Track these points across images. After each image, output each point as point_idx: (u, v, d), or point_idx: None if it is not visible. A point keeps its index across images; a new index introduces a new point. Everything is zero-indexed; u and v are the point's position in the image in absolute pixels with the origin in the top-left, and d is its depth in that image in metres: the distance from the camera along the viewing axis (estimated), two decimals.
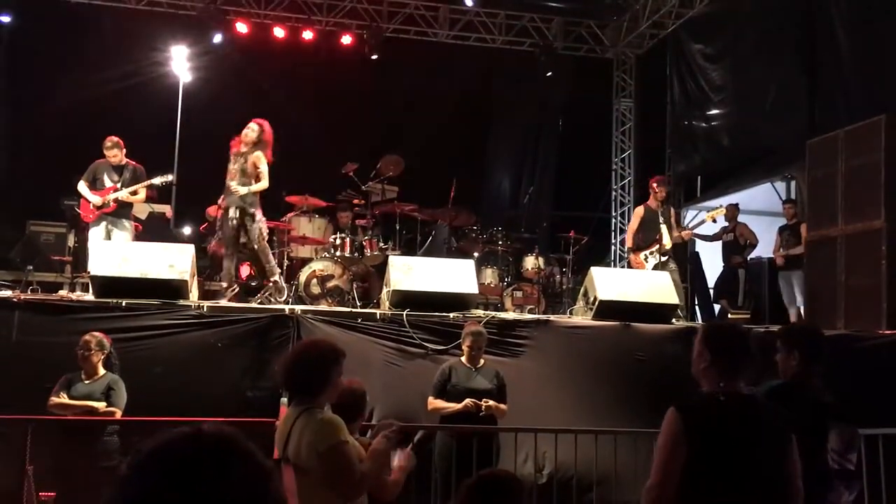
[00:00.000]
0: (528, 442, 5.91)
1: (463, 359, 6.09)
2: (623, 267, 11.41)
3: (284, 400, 4.93)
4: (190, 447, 1.14)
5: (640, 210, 9.62)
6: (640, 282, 7.93)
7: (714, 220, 9.90)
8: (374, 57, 12.99)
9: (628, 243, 9.85)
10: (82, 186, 8.42)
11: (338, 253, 9.03)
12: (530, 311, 9.08)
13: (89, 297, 6.88)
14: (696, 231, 10.70)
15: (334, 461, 3.24)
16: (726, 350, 3.19)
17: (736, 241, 10.83)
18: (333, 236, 9.32)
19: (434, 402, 5.94)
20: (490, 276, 9.91)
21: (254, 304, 7.98)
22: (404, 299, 7.10)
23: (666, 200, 9.37)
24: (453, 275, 7.47)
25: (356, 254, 9.20)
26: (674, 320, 7.73)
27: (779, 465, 3.04)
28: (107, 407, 5.61)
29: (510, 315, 7.97)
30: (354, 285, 8.68)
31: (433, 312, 6.99)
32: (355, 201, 10.09)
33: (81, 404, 5.57)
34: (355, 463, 3.32)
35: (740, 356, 3.19)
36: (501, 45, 13.96)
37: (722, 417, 3.06)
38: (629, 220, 11.08)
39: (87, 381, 5.71)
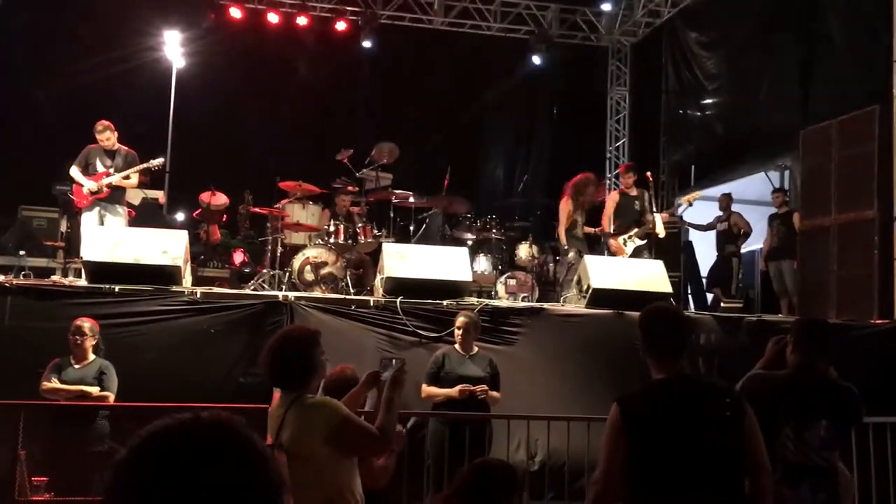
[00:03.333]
0: (520, 429, 5.93)
1: (456, 346, 6.10)
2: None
3: None
4: (189, 432, 1.14)
5: (614, 195, 9.64)
6: (634, 270, 7.96)
7: (690, 204, 9.88)
8: (368, 44, 12.93)
9: (604, 228, 9.84)
10: (75, 171, 8.38)
11: (331, 240, 9.01)
12: (524, 299, 9.09)
13: (82, 282, 6.87)
14: (685, 217, 10.72)
15: (347, 435, 3.27)
16: (657, 333, 3.17)
17: (730, 231, 10.85)
18: (327, 223, 9.30)
19: (427, 389, 5.95)
20: (484, 263, 9.91)
21: (247, 291, 7.97)
22: (398, 286, 7.10)
23: (643, 186, 9.34)
24: (447, 262, 7.48)
25: (350, 241, 9.19)
26: None
27: (730, 443, 3.00)
28: (100, 391, 5.62)
29: (503, 303, 7.98)
30: (348, 272, 8.67)
31: (427, 300, 7.00)
32: (349, 188, 10.06)
33: (74, 389, 5.58)
34: (367, 427, 3.36)
35: (673, 339, 3.16)
36: (496, 32, 13.92)
37: (660, 403, 3.05)
38: None
39: (77, 366, 5.71)
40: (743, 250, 10.99)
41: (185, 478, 1.10)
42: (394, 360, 3.59)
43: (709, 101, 12.29)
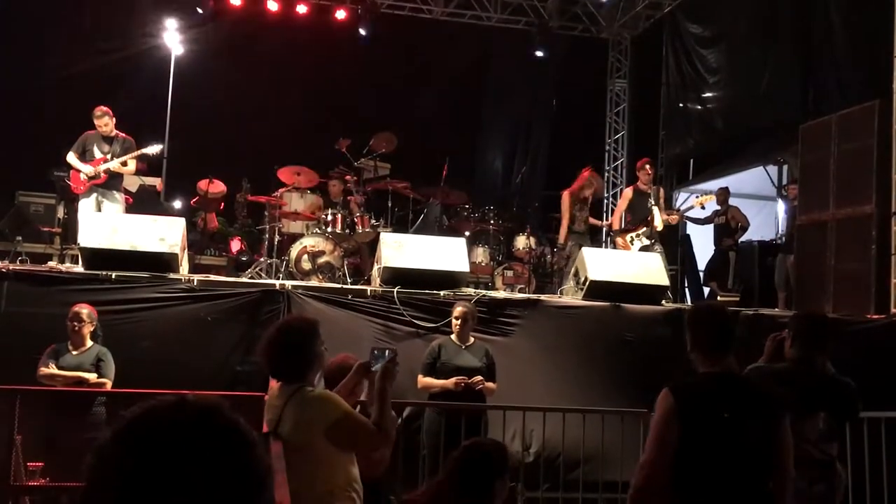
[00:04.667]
0: (516, 420, 5.94)
1: (453, 337, 6.11)
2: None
3: None
4: (173, 416, 1.14)
5: (628, 192, 9.62)
6: (631, 263, 7.96)
7: (703, 207, 9.91)
8: (368, 33, 12.88)
9: (614, 225, 9.86)
10: (72, 157, 8.35)
11: (329, 229, 9.00)
12: (521, 291, 9.09)
13: (79, 268, 6.86)
14: (687, 214, 10.72)
15: (346, 431, 3.27)
16: (708, 330, 3.24)
17: (727, 224, 10.86)
18: (325, 212, 9.29)
19: (423, 380, 5.96)
20: (481, 254, 9.91)
21: (244, 279, 7.97)
22: (395, 276, 7.10)
23: (655, 182, 9.38)
24: (444, 253, 7.47)
25: (347, 230, 9.18)
26: (663, 302, 7.76)
27: (766, 443, 3.07)
28: (97, 378, 5.62)
29: (500, 294, 7.98)
30: (345, 262, 8.67)
31: (424, 290, 7.00)
32: (347, 177, 10.05)
33: (72, 375, 5.58)
34: (365, 421, 3.36)
35: (721, 335, 3.23)
36: (496, 23, 13.86)
37: (713, 398, 3.10)
38: None
39: (75, 353, 5.71)
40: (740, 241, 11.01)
41: (168, 461, 1.09)
42: (386, 352, 3.58)
43: (709, 94, 12.27)
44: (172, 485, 1.08)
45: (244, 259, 10.13)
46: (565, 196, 9.55)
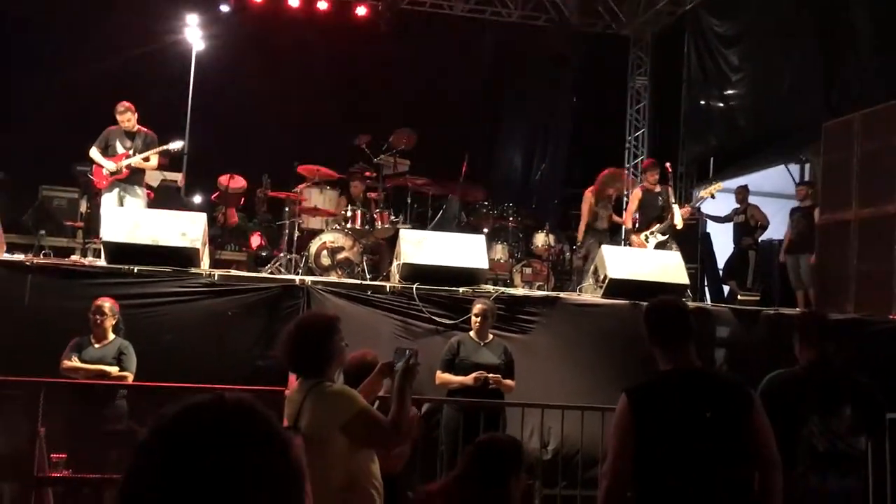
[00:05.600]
0: (534, 417, 5.94)
1: (471, 333, 6.11)
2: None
3: None
4: (211, 414, 1.15)
5: (637, 192, 9.60)
6: (650, 261, 7.93)
7: (712, 196, 9.82)
8: (388, 30, 12.89)
9: (626, 224, 9.82)
10: (95, 152, 8.43)
11: (348, 225, 9.04)
12: (539, 288, 9.09)
13: (101, 262, 6.92)
14: (706, 213, 10.66)
15: (361, 428, 3.29)
16: (661, 323, 3.23)
17: (747, 223, 10.79)
18: (345, 209, 9.32)
19: (442, 376, 5.98)
20: (500, 251, 9.91)
21: (264, 274, 8.01)
22: (414, 273, 7.11)
23: (673, 180, 9.33)
24: (464, 249, 7.47)
25: (367, 226, 9.21)
26: (683, 300, 7.72)
27: (739, 437, 3.01)
28: (119, 371, 5.68)
29: (519, 291, 7.98)
30: (364, 258, 8.70)
31: (443, 286, 7.00)
32: (367, 174, 10.07)
33: (94, 368, 5.64)
34: (381, 419, 3.37)
35: (675, 326, 3.21)
36: (517, 19, 13.83)
37: (669, 394, 3.06)
38: None
39: (97, 346, 5.78)
40: (760, 240, 10.93)
41: (207, 459, 1.10)
42: (407, 351, 3.59)
43: (731, 91, 12.17)
44: (211, 483, 1.09)
45: (264, 254, 10.20)
46: (587, 194, 9.55)
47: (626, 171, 9.93)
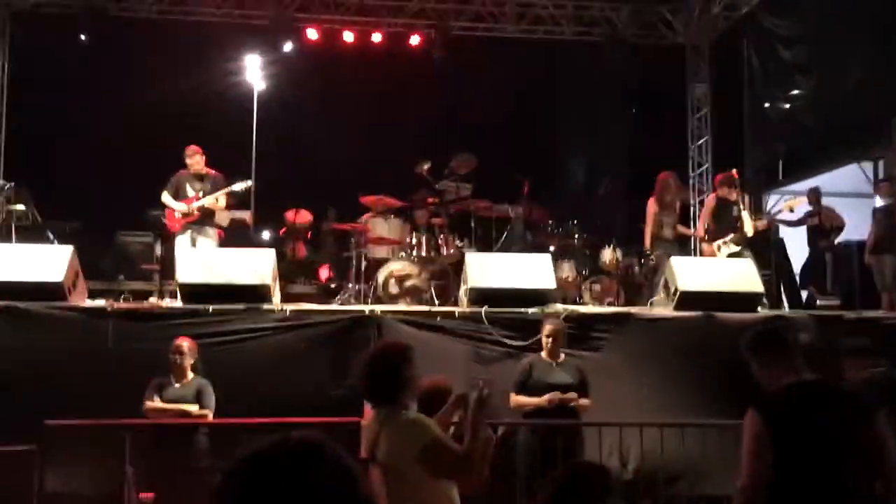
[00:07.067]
0: (612, 437, 5.86)
1: (543, 354, 6.08)
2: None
3: None
4: (279, 454, 1.19)
5: (710, 200, 9.41)
6: (722, 270, 7.77)
7: (792, 210, 9.60)
8: (442, 56, 13.01)
9: (699, 233, 9.64)
10: (166, 197, 8.71)
11: (414, 252, 9.09)
12: (609, 304, 8.98)
13: (178, 303, 7.11)
14: (777, 218, 10.40)
15: (433, 458, 3.29)
16: (766, 347, 3.32)
17: (821, 225, 10.49)
18: (410, 236, 9.39)
19: (516, 399, 5.94)
20: (567, 269, 9.82)
21: (335, 306, 8.12)
22: (482, 296, 7.11)
23: (742, 187, 9.11)
24: (530, 270, 7.44)
25: (432, 253, 9.25)
26: (759, 309, 7.54)
27: (862, 444, 2.99)
28: (199, 410, 5.82)
29: (589, 309, 7.90)
30: (432, 284, 8.73)
31: (511, 308, 6.98)
32: (429, 200, 10.14)
33: (175, 408, 5.79)
34: (454, 450, 3.36)
35: (784, 349, 3.28)
36: (570, 36, 13.80)
37: (802, 407, 3.05)
38: None
39: (177, 385, 5.93)
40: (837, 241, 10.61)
41: (278, 498, 1.13)
42: (480, 381, 3.61)
43: (795, 92, 11.89)
44: None
45: (333, 286, 10.33)
46: (650, 203, 9.45)
47: (673, 174, 9.73)
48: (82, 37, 12.17)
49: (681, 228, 9.62)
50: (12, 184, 9.81)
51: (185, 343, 5.99)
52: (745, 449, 3.08)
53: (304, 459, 1.18)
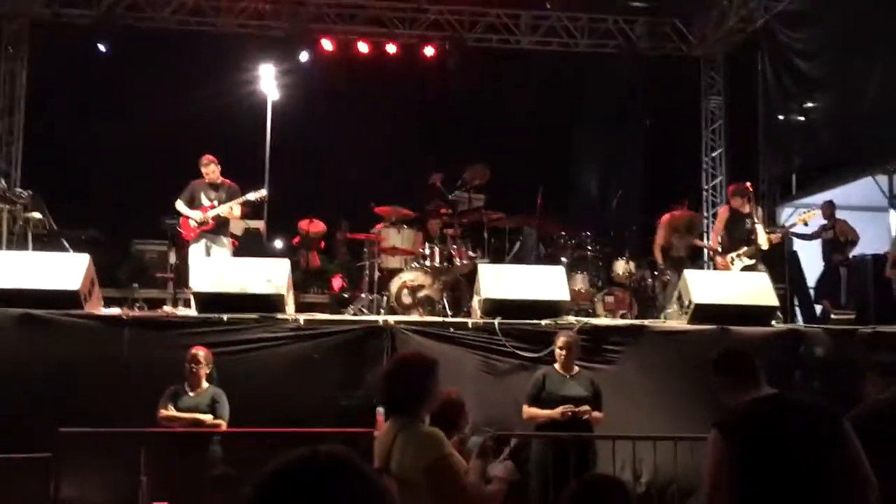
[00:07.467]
0: (625, 450, 5.84)
1: (556, 366, 6.07)
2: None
3: (381, 409, 5.00)
4: (307, 468, 1.20)
5: (724, 212, 9.39)
6: (737, 284, 7.73)
7: (806, 224, 9.56)
8: (456, 67, 13.05)
9: (713, 245, 9.62)
10: (181, 205, 8.76)
11: (427, 263, 9.11)
12: (622, 317, 8.96)
13: (192, 312, 7.15)
14: (791, 231, 10.37)
15: (439, 475, 3.27)
16: (730, 364, 3.47)
17: (836, 239, 10.44)
18: (422, 247, 9.41)
19: (529, 410, 5.94)
20: (580, 281, 9.81)
21: (348, 316, 8.13)
22: (495, 307, 7.11)
23: (753, 202, 9.08)
24: (544, 281, 7.44)
25: (445, 263, 9.26)
26: (773, 323, 7.51)
27: (833, 460, 2.95)
28: (213, 419, 5.84)
29: (603, 321, 7.88)
30: (444, 294, 8.74)
31: (525, 320, 6.98)
32: (443, 211, 10.16)
33: (189, 416, 5.81)
34: (461, 475, 3.34)
35: (746, 366, 3.38)
36: (585, 48, 13.82)
37: (761, 424, 3.03)
38: None
39: (192, 394, 5.96)
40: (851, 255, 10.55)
41: None
42: (490, 431, 3.64)
43: (811, 105, 11.86)
44: None
45: (346, 296, 10.35)
46: (662, 221, 9.49)
47: (685, 205, 9.83)
48: (101, 47, 12.28)
49: (697, 243, 9.62)
50: (30, 192, 9.89)
51: (201, 352, 6.03)
52: (706, 471, 3.07)
53: (332, 473, 1.19)
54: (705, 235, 13.13)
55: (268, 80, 11.97)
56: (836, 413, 3.12)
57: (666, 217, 9.59)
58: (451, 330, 6.94)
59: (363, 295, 9.30)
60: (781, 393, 3.24)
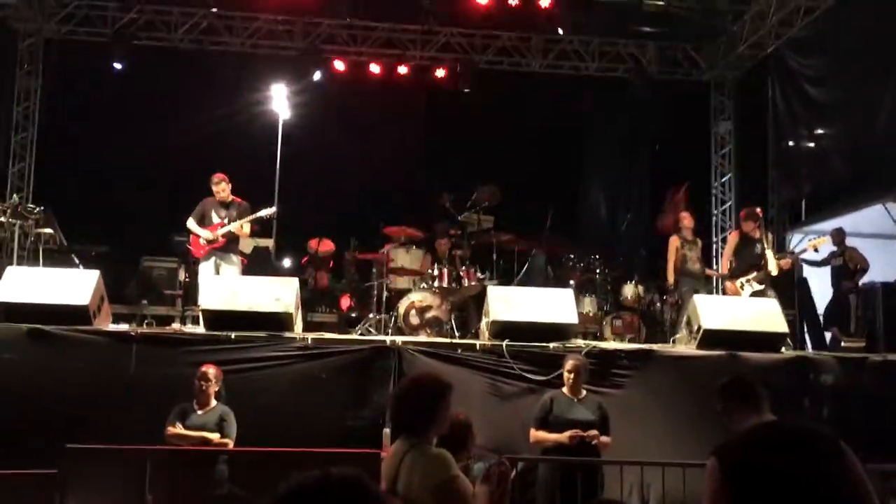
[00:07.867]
0: (633, 475, 5.79)
1: (564, 389, 6.04)
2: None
3: (387, 431, 4.99)
4: (319, 489, 1.20)
5: (733, 237, 9.39)
6: (746, 309, 7.70)
7: (816, 250, 9.53)
8: (467, 89, 13.12)
9: (723, 269, 9.61)
10: (192, 223, 8.80)
11: (435, 284, 9.11)
12: (630, 340, 8.94)
13: (200, 329, 7.16)
14: (801, 257, 10.34)
15: (447, 496, 3.25)
16: (733, 395, 3.53)
17: (845, 266, 10.40)
18: (431, 267, 9.42)
19: (536, 434, 5.91)
20: (588, 304, 9.81)
21: (355, 336, 8.13)
22: (503, 329, 7.10)
23: (763, 227, 9.08)
24: (552, 304, 7.43)
25: (454, 284, 9.26)
26: (783, 349, 7.47)
27: (835, 483, 2.92)
28: (220, 438, 5.83)
29: (611, 344, 7.86)
30: (452, 316, 8.73)
31: (533, 343, 6.96)
32: (451, 232, 10.17)
33: (197, 435, 5.81)
34: (469, 497, 3.33)
35: (750, 394, 3.48)
36: (595, 72, 13.89)
37: (763, 452, 2.99)
38: None
39: (200, 412, 5.95)
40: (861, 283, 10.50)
41: None
42: (497, 458, 3.64)
43: (821, 131, 11.86)
44: None
45: (354, 315, 10.35)
46: (672, 238, 9.51)
47: (686, 213, 9.83)
48: (116, 65, 12.39)
49: (708, 272, 9.63)
50: (41, 208, 9.95)
51: (211, 370, 6.02)
52: (706, 500, 3.05)
53: (343, 495, 1.19)
54: (713, 260, 13.11)
55: (280, 100, 12.07)
56: (835, 438, 3.09)
57: (673, 238, 9.61)
58: (459, 351, 6.93)
59: (371, 315, 9.30)
60: (779, 420, 3.21)
